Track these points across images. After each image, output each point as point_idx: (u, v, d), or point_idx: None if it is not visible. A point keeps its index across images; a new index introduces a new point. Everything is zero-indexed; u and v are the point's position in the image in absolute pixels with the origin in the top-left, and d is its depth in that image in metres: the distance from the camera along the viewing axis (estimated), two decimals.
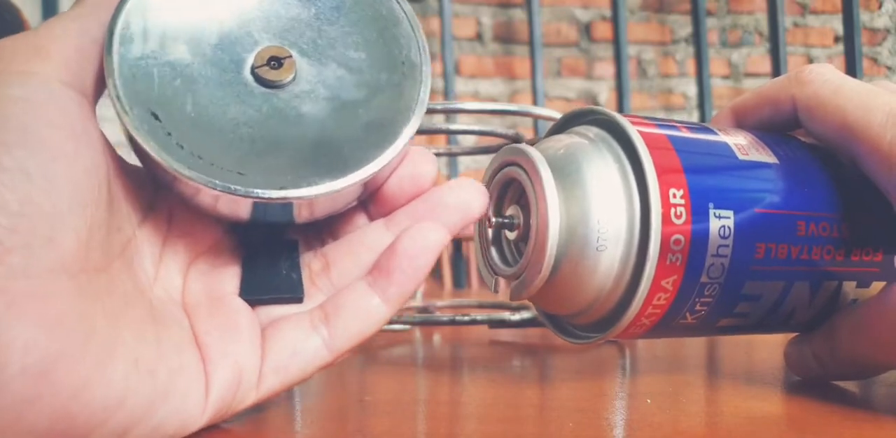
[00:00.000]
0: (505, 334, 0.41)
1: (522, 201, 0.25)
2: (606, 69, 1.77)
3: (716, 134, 0.25)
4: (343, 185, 0.21)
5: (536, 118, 0.39)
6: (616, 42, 1.46)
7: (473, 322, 0.39)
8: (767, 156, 0.24)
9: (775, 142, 0.25)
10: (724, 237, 0.22)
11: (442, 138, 1.38)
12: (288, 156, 0.21)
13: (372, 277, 0.22)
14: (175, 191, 0.21)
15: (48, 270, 0.17)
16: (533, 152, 0.24)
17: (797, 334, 0.27)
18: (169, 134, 0.20)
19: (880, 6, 1.87)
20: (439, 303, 0.53)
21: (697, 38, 1.42)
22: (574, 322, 0.26)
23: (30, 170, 0.17)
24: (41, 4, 1.16)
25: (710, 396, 0.26)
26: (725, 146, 0.24)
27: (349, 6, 0.23)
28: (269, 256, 0.23)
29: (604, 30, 1.80)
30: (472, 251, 1.43)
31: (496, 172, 0.26)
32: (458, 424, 0.23)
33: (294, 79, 0.22)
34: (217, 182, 0.20)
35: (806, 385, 0.27)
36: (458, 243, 1.54)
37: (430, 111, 0.39)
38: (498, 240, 0.26)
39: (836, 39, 1.85)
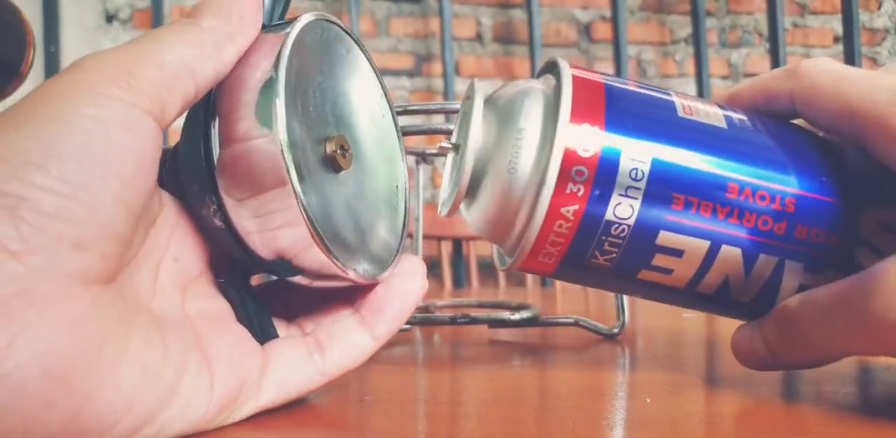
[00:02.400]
0: (505, 334, 0.41)
1: None
2: (606, 69, 1.77)
3: (668, 94, 0.25)
4: (384, 275, 0.24)
5: None
6: (616, 42, 1.47)
7: (473, 322, 0.39)
8: (717, 121, 0.25)
9: (732, 111, 0.26)
10: (635, 179, 0.23)
11: (442, 138, 1.37)
12: (349, 235, 0.23)
13: (361, 315, 0.24)
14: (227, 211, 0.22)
15: (68, 275, 0.17)
16: (477, 87, 0.26)
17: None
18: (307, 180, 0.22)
19: (880, 6, 1.87)
20: (439, 303, 0.53)
21: (697, 39, 1.43)
22: (504, 250, 0.27)
23: (77, 183, 0.17)
24: (41, 4, 1.16)
25: (710, 396, 0.26)
26: (670, 103, 0.25)
27: (373, 120, 0.26)
28: (255, 304, 0.24)
29: (604, 30, 1.80)
30: (471, 251, 1.43)
31: (461, 106, 0.28)
32: (458, 424, 0.23)
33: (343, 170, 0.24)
34: (329, 246, 0.21)
35: (805, 386, 0.27)
36: (458, 243, 1.54)
37: (430, 111, 0.40)
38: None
39: (836, 39, 1.85)
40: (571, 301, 0.73)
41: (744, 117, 0.26)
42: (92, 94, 0.18)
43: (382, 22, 1.76)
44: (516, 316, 0.39)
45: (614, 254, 0.24)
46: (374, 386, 0.27)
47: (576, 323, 0.41)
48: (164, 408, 0.19)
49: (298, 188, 0.20)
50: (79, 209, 0.17)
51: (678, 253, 0.24)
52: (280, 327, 0.24)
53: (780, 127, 0.26)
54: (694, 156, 0.23)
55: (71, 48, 1.34)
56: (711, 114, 0.25)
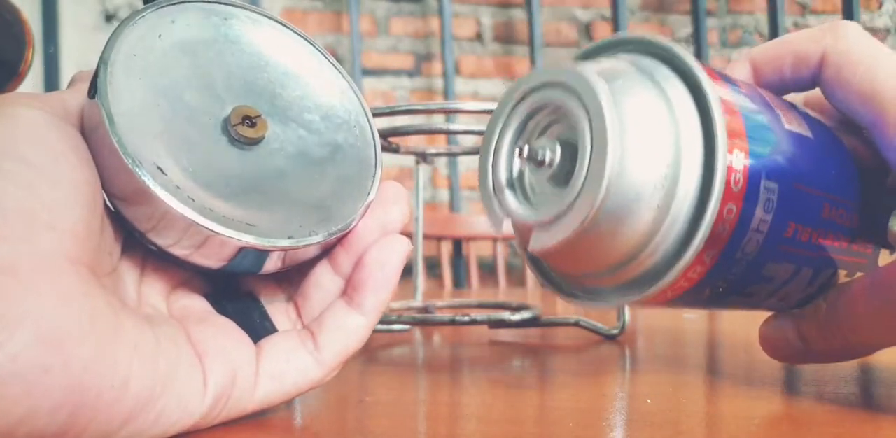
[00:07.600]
0: (505, 334, 0.41)
1: (562, 135, 0.21)
2: None
3: (762, 96, 0.23)
4: (338, 234, 0.23)
5: None
6: None
7: (473, 322, 0.39)
8: (803, 129, 0.22)
9: (801, 113, 0.24)
10: (767, 211, 0.20)
11: (442, 138, 1.38)
12: (283, 209, 0.22)
13: (347, 295, 0.23)
14: (153, 242, 0.21)
15: (49, 253, 0.18)
16: (592, 77, 0.20)
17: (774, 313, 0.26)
18: (178, 187, 0.20)
19: (880, 6, 1.87)
20: (439, 303, 0.53)
21: (697, 38, 1.43)
22: (587, 283, 0.23)
23: (38, 164, 0.18)
24: (40, 4, 1.16)
25: (710, 396, 0.26)
26: (774, 111, 0.22)
27: (296, 74, 0.24)
28: (237, 304, 0.24)
29: (604, 30, 1.80)
30: (471, 251, 1.43)
31: (527, 93, 0.22)
32: (458, 424, 0.23)
33: (265, 137, 0.23)
34: (239, 234, 0.20)
35: (806, 386, 0.27)
36: (458, 243, 1.54)
37: (430, 111, 0.40)
38: (520, 176, 0.22)
39: None
40: None
41: (795, 111, 0.23)
42: (14, 105, 0.20)
43: (382, 21, 1.76)
44: (516, 317, 0.39)
45: (722, 288, 0.22)
46: (374, 387, 0.27)
47: (576, 324, 0.41)
48: (160, 394, 0.19)
49: (137, 168, 0.19)
50: (46, 190, 0.18)
51: (769, 280, 0.22)
52: (284, 321, 0.24)
53: (813, 118, 0.24)
54: (803, 177, 0.21)
55: (70, 48, 1.34)
56: (794, 117, 0.23)
